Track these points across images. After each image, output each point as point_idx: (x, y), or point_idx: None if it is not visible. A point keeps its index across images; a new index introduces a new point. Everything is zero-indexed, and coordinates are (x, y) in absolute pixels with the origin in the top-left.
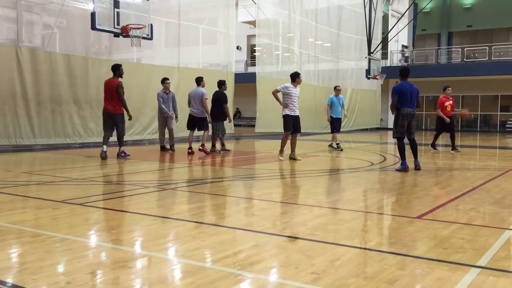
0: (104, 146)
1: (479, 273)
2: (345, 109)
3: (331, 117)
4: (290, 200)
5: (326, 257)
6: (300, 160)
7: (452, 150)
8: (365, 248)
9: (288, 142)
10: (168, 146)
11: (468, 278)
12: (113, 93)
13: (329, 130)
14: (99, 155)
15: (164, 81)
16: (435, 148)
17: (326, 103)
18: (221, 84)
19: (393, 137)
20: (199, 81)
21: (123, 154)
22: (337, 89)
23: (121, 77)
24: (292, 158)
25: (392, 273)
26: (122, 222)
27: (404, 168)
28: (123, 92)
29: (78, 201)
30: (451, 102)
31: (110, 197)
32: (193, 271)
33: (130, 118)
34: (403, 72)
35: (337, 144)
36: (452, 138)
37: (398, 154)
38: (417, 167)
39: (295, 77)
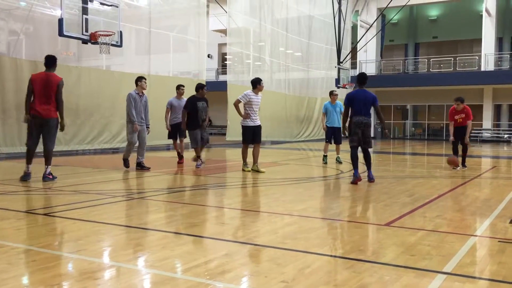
0: (29, 166)
1: (445, 279)
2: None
3: (326, 126)
4: (260, 209)
5: (296, 265)
6: (264, 172)
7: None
8: (334, 256)
9: (250, 152)
10: (135, 162)
11: (434, 284)
12: (52, 92)
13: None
14: (19, 179)
15: (140, 79)
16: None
17: (321, 111)
18: (198, 88)
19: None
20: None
21: (50, 177)
22: (333, 94)
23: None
24: (255, 170)
25: (361, 280)
26: (88, 232)
27: (356, 178)
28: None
29: (42, 211)
30: (462, 115)
31: (76, 206)
32: (162, 281)
33: (62, 129)
34: (360, 79)
35: (337, 156)
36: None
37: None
38: (371, 180)
39: (256, 84)
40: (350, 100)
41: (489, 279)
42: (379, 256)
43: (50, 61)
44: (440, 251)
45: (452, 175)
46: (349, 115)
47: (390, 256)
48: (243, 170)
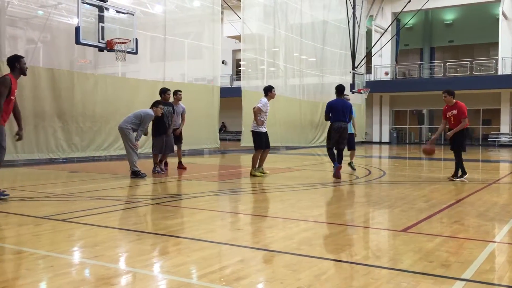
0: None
1: (464, 286)
2: (354, 124)
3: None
4: (276, 214)
5: (312, 272)
6: (267, 173)
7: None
8: (351, 262)
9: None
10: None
11: None
12: None
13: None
14: None
15: (176, 93)
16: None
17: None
18: (161, 92)
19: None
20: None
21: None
22: (346, 99)
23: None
24: (261, 172)
25: (378, 287)
26: (105, 238)
27: (337, 167)
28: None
29: (60, 217)
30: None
31: (93, 212)
32: (178, 287)
33: (20, 138)
34: (338, 89)
35: (350, 162)
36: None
37: (382, 168)
38: (336, 174)
39: (267, 91)
40: (330, 107)
41: (508, 286)
42: (396, 262)
43: (8, 61)
44: (458, 258)
45: (468, 180)
46: (331, 120)
47: (408, 262)
48: (254, 175)
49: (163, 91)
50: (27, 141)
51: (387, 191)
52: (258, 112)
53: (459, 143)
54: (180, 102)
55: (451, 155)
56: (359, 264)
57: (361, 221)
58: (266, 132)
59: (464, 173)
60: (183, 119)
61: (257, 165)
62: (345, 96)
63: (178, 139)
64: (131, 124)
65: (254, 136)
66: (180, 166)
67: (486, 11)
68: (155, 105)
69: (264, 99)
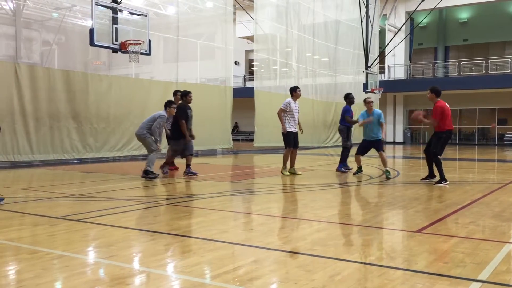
0: None
1: (480, 287)
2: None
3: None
4: (289, 215)
5: (326, 272)
6: (300, 174)
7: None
8: (365, 263)
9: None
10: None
11: None
12: None
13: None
14: None
15: (186, 94)
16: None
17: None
18: (183, 95)
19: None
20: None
21: None
22: (367, 102)
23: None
24: (292, 172)
25: None
26: (119, 238)
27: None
28: None
29: (76, 217)
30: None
31: (107, 213)
32: (192, 287)
33: None
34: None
35: (385, 170)
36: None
37: (396, 168)
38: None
39: (292, 91)
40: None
41: None
42: (411, 263)
43: (182, 96)
44: (474, 259)
45: (483, 180)
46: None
47: (423, 263)
48: (282, 173)
49: (185, 94)
50: (43, 142)
51: (401, 191)
52: (280, 114)
53: (434, 145)
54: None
55: (464, 154)
56: (373, 265)
57: (375, 222)
58: (296, 132)
59: (442, 179)
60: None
61: (287, 165)
62: (367, 99)
63: None
64: (146, 129)
65: (283, 136)
66: (171, 167)
67: (501, 9)
68: (168, 105)
69: (289, 99)
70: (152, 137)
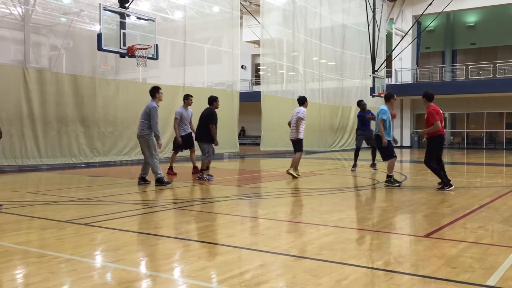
0: None
1: None
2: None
3: (388, 141)
4: (296, 219)
5: (333, 277)
6: (300, 175)
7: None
8: (372, 268)
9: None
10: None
11: None
12: None
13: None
14: None
15: (187, 97)
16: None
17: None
18: (212, 100)
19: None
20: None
21: None
22: (395, 99)
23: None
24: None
25: None
26: (127, 242)
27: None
28: None
29: (83, 221)
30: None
31: (115, 216)
32: None
33: None
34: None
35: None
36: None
37: (403, 172)
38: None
39: (304, 101)
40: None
41: None
42: (418, 268)
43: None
44: (483, 264)
45: (492, 185)
46: None
47: (431, 268)
48: (292, 175)
49: (214, 99)
50: (51, 146)
51: (408, 196)
52: (299, 122)
53: (425, 154)
54: (189, 107)
55: (472, 158)
56: (380, 270)
57: (382, 226)
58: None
59: (446, 184)
60: (191, 124)
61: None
62: (361, 102)
63: (190, 143)
64: (147, 128)
65: (299, 142)
66: (170, 172)
67: (509, 13)
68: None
69: (304, 108)
70: (153, 138)
